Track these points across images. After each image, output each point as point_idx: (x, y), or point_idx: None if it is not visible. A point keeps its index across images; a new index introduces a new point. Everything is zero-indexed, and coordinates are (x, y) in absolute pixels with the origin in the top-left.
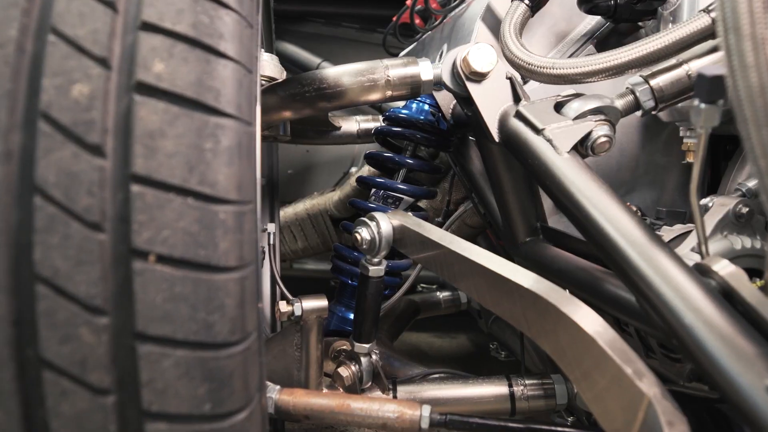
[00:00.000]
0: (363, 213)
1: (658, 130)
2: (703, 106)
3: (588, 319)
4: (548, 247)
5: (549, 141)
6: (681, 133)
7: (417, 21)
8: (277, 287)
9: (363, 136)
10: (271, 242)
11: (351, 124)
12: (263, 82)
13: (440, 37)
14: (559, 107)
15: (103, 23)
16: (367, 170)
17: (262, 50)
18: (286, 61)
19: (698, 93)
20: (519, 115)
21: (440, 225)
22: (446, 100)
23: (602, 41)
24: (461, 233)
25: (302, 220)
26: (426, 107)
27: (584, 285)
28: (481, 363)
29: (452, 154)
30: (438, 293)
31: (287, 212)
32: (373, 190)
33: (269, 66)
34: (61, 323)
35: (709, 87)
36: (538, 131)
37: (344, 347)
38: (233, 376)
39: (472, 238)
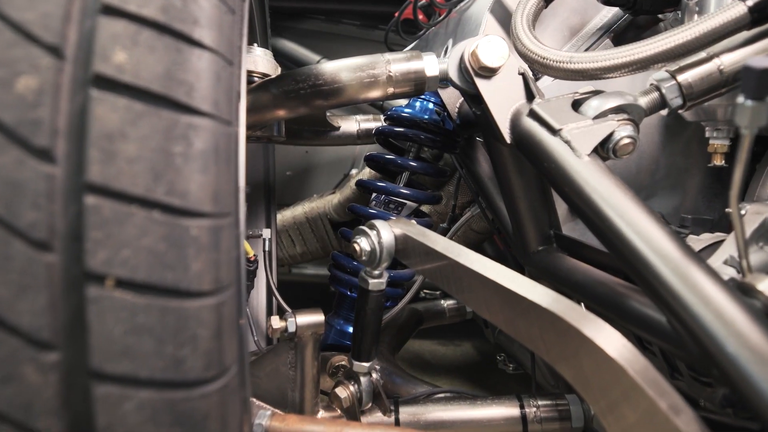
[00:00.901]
0: (363, 219)
1: (680, 130)
2: (749, 103)
3: (616, 345)
4: (563, 258)
5: (567, 142)
6: (707, 134)
7: (420, 17)
8: (274, 298)
9: (363, 136)
10: (267, 249)
11: (351, 124)
12: (256, 78)
13: (445, 33)
14: (576, 105)
15: (56, 6)
16: (367, 173)
17: (256, 45)
18: (284, 58)
19: (745, 88)
20: (533, 114)
21: (445, 231)
22: (452, 98)
23: (619, 35)
24: (467, 239)
25: (301, 224)
26: (430, 106)
27: (604, 301)
28: (487, 374)
29: (458, 156)
30: (442, 301)
31: (285, 216)
32: (374, 194)
33: (262, 61)
34: (1, 361)
35: (758, 82)
36: (554, 131)
37: (343, 363)
38: (209, 419)
39: (479, 244)
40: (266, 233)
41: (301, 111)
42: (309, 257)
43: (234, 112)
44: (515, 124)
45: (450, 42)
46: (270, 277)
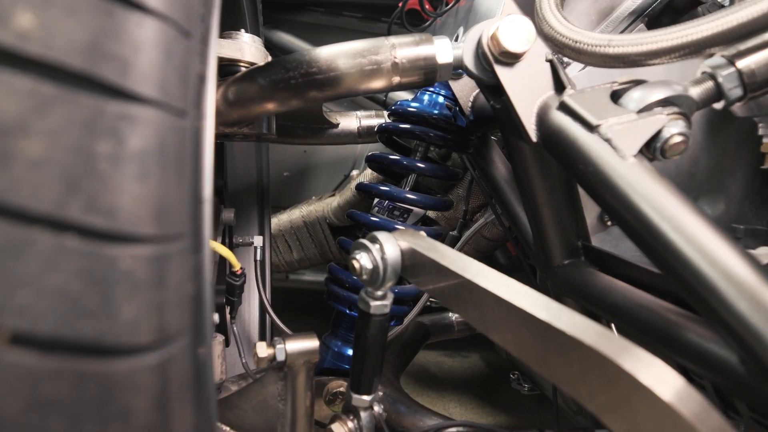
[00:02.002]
0: (365, 227)
1: (726, 126)
2: None
3: (682, 396)
4: (593, 274)
5: (607, 141)
6: (760, 131)
7: (426, 6)
8: (267, 315)
9: (365, 134)
10: (259, 258)
11: (350, 121)
12: (243, 68)
13: (454, 22)
14: (615, 98)
15: None
16: (369, 175)
17: (243, 31)
18: (281, 52)
19: None
20: (565, 108)
21: (456, 239)
22: (465, 91)
23: (654, 20)
24: (478, 247)
25: (298, 228)
26: (440, 99)
27: (650, 328)
28: (498, 389)
29: (471, 157)
30: (450, 314)
31: (281, 219)
32: (377, 199)
33: (250, 49)
34: None
35: None
36: (592, 128)
37: (341, 389)
38: None
39: (491, 252)
40: (258, 241)
41: (293, 104)
42: (307, 264)
43: (192, 100)
44: (542, 120)
45: (460, 31)
46: (263, 293)
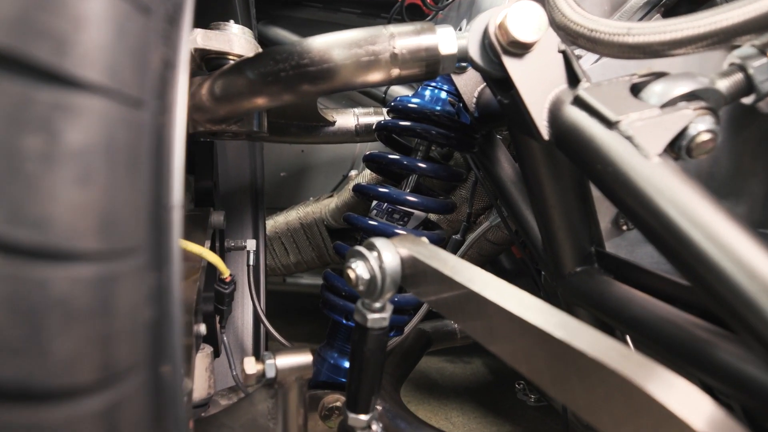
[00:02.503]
0: (362, 232)
1: (750, 123)
2: None
3: (719, 427)
4: (608, 282)
5: (629, 138)
6: None
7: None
8: (262, 325)
9: (363, 133)
10: (252, 263)
11: (348, 119)
12: (232, 61)
13: (456, 16)
14: (635, 91)
15: None
16: (368, 176)
17: (233, 21)
18: None
19: None
20: (580, 102)
21: (459, 243)
22: (469, 86)
23: (670, 11)
24: (482, 250)
25: (295, 230)
26: (443, 95)
27: (675, 345)
28: (502, 397)
29: (476, 156)
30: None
31: (278, 221)
32: (375, 202)
33: (239, 41)
34: None
35: None
36: (611, 124)
37: (337, 404)
38: None
39: (495, 256)
40: (251, 245)
41: (284, 98)
42: (304, 267)
43: (153, 89)
44: (555, 116)
45: (463, 24)
46: (257, 302)
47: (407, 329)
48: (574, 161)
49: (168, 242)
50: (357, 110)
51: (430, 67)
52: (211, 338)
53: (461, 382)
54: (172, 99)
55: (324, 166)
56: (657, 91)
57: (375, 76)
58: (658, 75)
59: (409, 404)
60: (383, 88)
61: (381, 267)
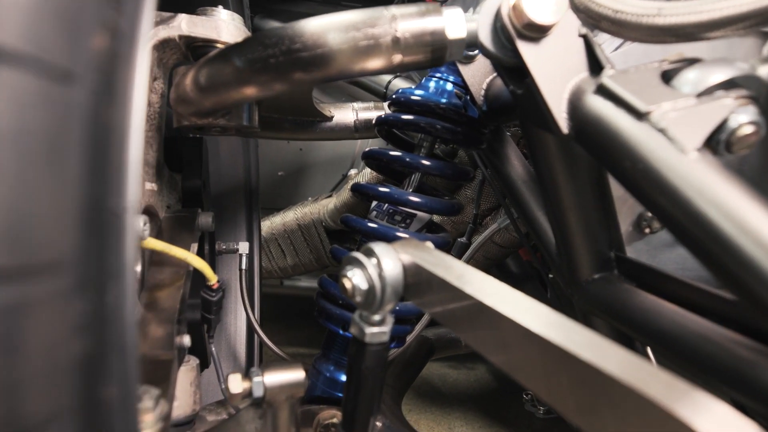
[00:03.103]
0: (361, 235)
1: None
2: None
3: None
4: (631, 291)
5: (662, 131)
6: None
7: None
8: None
9: (362, 129)
10: (245, 267)
11: (346, 114)
12: (220, 46)
13: (463, 2)
14: (666, 79)
15: None
16: (369, 175)
17: (221, 7)
18: None
19: None
20: (604, 91)
21: (464, 247)
22: (477, 76)
23: None
24: (488, 254)
25: (292, 231)
26: (449, 86)
27: (714, 365)
28: (507, 405)
29: (483, 153)
30: None
31: (275, 222)
32: (375, 202)
33: (228, 28)
34: None
35: None
36: (641, 115)
37: (334, 420)
38: None
39: (502, 260)
40: (243, 247)
41: (275, 87)
42: (301, 270)
43: (90, 61)
44: (575, 107)
45: (471, 11)
46: (249, 311)
47: (409, 339)
48: (597, 157)
49: (114, 255)
50: (356, 105)
51: (436, 53)
52: (199, 348)
53: (465, 390)
54: (123, 77)
55: (323, 165)
56: (691, 79)
57: (375, 63)
58: (691, 61)
59: (410, 413)
60: (384, 83)
61: (380, 275)
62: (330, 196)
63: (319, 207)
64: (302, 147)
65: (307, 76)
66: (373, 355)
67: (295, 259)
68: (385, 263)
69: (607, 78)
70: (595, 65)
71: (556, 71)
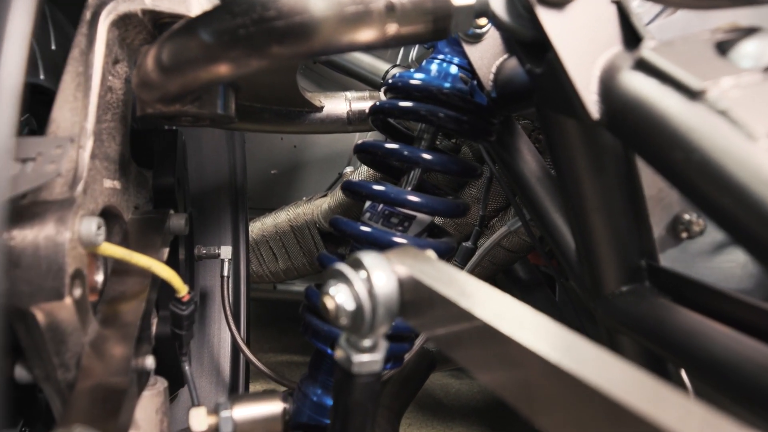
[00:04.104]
0: (352, 240)
1: None
2: None
3: None
4: (667, 307)
5: (723, 113)
6: None
7: None
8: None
9: (356, 121)
10: (226, 274)
11: (338, 104)
12: None
13: None
14: (721, 52)
15: None
16: (366, 173)
17: None
18: None
19: None
20: (645, 66)
21: (470, 252)
22: (485, 59)
23: None
24: (495, 258)
25: (284, 233)
26: (453, 69)
27: None
28: (512, 417)
29: (492, 146)
30: None
31: (266, 223)
32: (369, 203)
33: (198, 1)
34: None
35: None
36: (694, 94)
37: None
38: None
39: (510, 265)
40: (225, 252)
41: (249, 65)
42: (294, 274)
43: None
44: (608, 86)
45: None
46: (233, 328)
47: (408, 357)
48: (637, 148)
49: None
50: (349, 94)
51: (439, 23)
52: (173, 367)
53: (468, 401)
54: None
55: (318, 162)
56: (752, 51)
57: (365, 34)
58: (749, 30)
59: (410, 427)
60: (382, 73)
61: (371, 293)
62: (325, 195)
63: (313, 207)
64: (297, 144)
65: (285, 49)
66: (363, 389)
67: (287, 263)
68: (376, 277)
69: (648, 51)
70: (632, 37)
71: (584, 45)
